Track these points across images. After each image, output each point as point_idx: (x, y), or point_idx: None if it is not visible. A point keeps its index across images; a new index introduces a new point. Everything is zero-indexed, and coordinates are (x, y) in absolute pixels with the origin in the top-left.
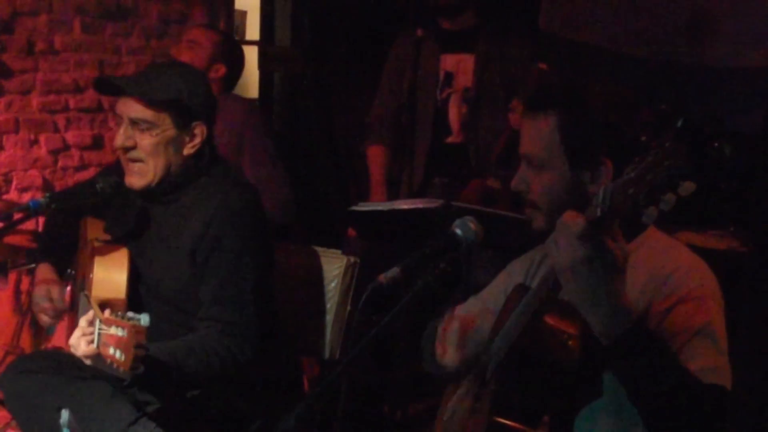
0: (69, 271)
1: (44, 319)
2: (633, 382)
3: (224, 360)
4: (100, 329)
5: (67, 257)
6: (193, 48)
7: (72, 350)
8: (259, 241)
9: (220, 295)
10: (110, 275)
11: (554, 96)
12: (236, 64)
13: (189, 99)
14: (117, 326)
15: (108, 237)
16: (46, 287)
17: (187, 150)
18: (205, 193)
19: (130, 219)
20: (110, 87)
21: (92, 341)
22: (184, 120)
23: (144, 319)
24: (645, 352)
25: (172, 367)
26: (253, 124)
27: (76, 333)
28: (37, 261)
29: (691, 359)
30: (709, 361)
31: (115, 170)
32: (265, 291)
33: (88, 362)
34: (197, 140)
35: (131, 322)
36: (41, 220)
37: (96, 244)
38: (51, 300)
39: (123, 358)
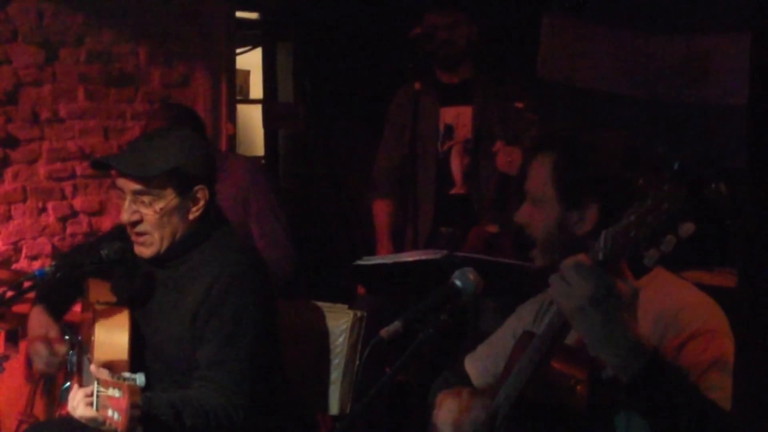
0: (78, 337)
1: (36, 356)
2: (656, 417)
3: (218, 417)
4: (98, 391)
5: (63, 306)
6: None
7: (71, 411)
8: (260, 304)
9: (217, 359)
10: (112, 337)
11: (553, 138)
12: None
13: (188, 165)
14: (114, 387)
15: (110, 299)
16: (38, 319)
17: (192, 215)
18: (208, 256)
19: (134, 283)
20: (108, 167)
21: (91, 403)
22: (185, 186)
23: (139, 378)
24: (665, 384)
25: (171, 419)
26: (257, 181)
27: (78, 395)
28: (33, 305)
29: (708, 391)
30: (726, 391)
31: (117, 235)
32: (264, 353)
33: (85, 422)
34: (201, 203)
35: (126, 383)
36: None
37: (98, 306)
38: (46, 329)
39: (119, 418)
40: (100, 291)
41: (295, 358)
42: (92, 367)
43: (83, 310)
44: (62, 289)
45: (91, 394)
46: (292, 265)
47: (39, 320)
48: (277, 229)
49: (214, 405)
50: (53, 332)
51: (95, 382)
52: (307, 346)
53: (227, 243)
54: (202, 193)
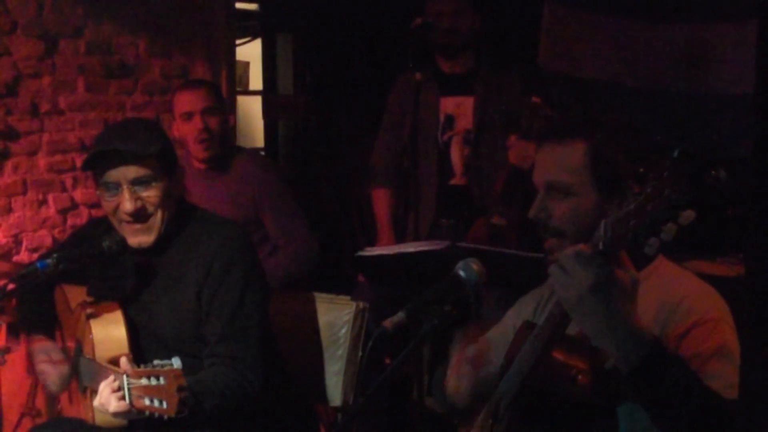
0: (61, 346)
1: (48, 379)
2: (657, 407)
3: (235, 392)
4: (129, 384)
5: (50, 329)
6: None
7: (102, 409)
8: (258, 276)
9: (227, 332)
10: (109, 333)
11: (583, 124)
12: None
13: (167, 147)
14: (150, 376)
15: (97, 297)
16: (40, 345)
17: (177, 195)
18: (196, 235)
19: (126, 279)
20: (96, 163)
21: (123, 397)
22: (171, 166)
23: (176, 362)
24: (666, 374)
25: (194, 404)
26: (269, 180)
27: (104, 392)
28: (29, 337)
29: (711, 379)
30: (728, 380)
31: (97, 227)
32: (268, 324)
33: (119, 419)
34: (181, 184)
35: (167, 368)
36: None
37: (85, 306)
38: (48, 353)
39: (165, 405)
40: (79, 294)
41: (298, 349)
42: (122, 361)
43: (64, 315)
44: (41, 310)
45: (119, 389)
46: (314, 255)
47: (41, 348)
48: (295, 221)
49: (228, 382)
50: (55, 354)
51: (123, 376)
52: (309, 338)
53: (211, 221)
54: (180, 174)
